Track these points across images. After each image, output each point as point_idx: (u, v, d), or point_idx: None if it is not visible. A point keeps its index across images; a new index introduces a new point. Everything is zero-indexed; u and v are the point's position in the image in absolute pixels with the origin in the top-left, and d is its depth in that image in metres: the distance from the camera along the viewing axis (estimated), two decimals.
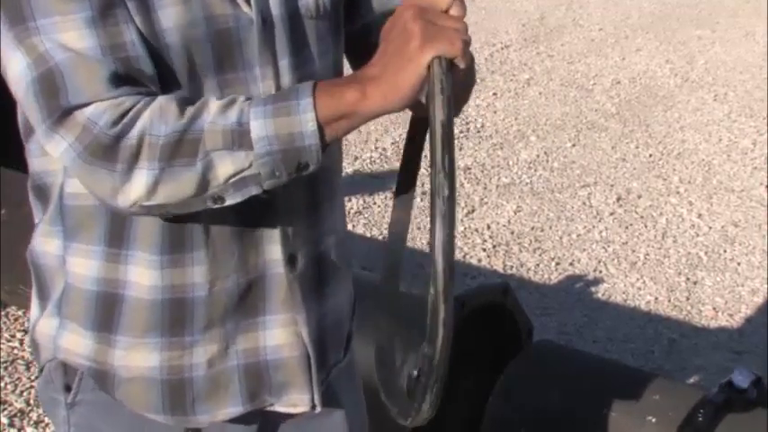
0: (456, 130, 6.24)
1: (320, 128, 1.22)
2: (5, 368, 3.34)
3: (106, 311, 1.41)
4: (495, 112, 5.81)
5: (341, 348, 1.59)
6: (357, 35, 1.54)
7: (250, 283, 1.42)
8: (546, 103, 6.00)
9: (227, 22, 1.33)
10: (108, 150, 1.22)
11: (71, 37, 1.23)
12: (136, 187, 1.23)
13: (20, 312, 3.60)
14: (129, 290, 1.39)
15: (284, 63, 1.38)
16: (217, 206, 1.27)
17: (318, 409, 1.51)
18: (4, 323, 3.57)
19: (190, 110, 1.24)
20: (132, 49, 1.26)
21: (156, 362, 1.41)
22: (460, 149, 5.27)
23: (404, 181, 1.42)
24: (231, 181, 1.23)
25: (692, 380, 3.45)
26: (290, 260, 1.43)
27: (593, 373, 2.57)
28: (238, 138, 1.21)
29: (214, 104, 1.24)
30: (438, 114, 1.16)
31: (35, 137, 1.39)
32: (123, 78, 1.24)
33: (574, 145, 5.42)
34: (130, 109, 1.23)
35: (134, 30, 1.26)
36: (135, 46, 1.26)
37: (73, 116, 1.23)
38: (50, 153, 1.27)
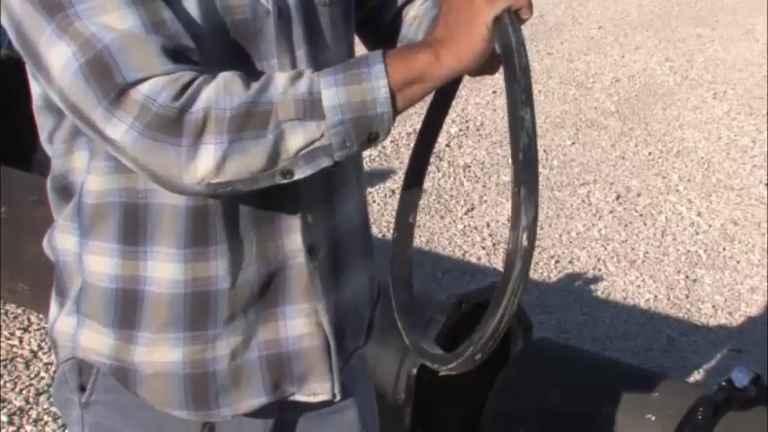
0: (455, 129, 6.18)
1: (392, 95, 1.20)
2: (5, 366, 3.34)
3: (126, 308, 1.40)
4: (494, 110, 5.80)
5: (360, 334, 1.59)
6: (368, 17, 1.55)
7: (271, 273, 1.42)
8: (545, 101, 6.00)
9: (244, 13, 1.32)
10: (172, 125, 1.19)
11: (113, 18, 1.20)
12: (203, 163, 1.20)
13: (19, 310, 3.60)
14: (151, 285, 1.38)
15: (301, 53, 1.38)
16: (286, 181, 1.24)
17: (338, 397, 1.51)
18: (4, 321, 3.56)
19: (255, 84, 1.22)
20: (173, 26, 1.24)
21: (178, 357, 1.41)
22: (460, 147, 5.27)
23: (413, 177, 1.44)
24: (302, 153, 1.21)
25: (691, 378, 3.45)
26: (311, 250, 1.43)
27: (592, 371, 2.57)
28: (310, 107, 1.19)
29: (281, 77, 1.23)
30: (520, 63, 1.15)
31: (59, 135, 1.39)
32: (175, 54, 1.22)
33: (573, 143, 5.42)
34: (191, 83, 1.20)
35: (170, 10, 1.24)
36: (175, 23, 1.24)
37: (129, 95, 1.19)
38: (111, 137, 1.22)
